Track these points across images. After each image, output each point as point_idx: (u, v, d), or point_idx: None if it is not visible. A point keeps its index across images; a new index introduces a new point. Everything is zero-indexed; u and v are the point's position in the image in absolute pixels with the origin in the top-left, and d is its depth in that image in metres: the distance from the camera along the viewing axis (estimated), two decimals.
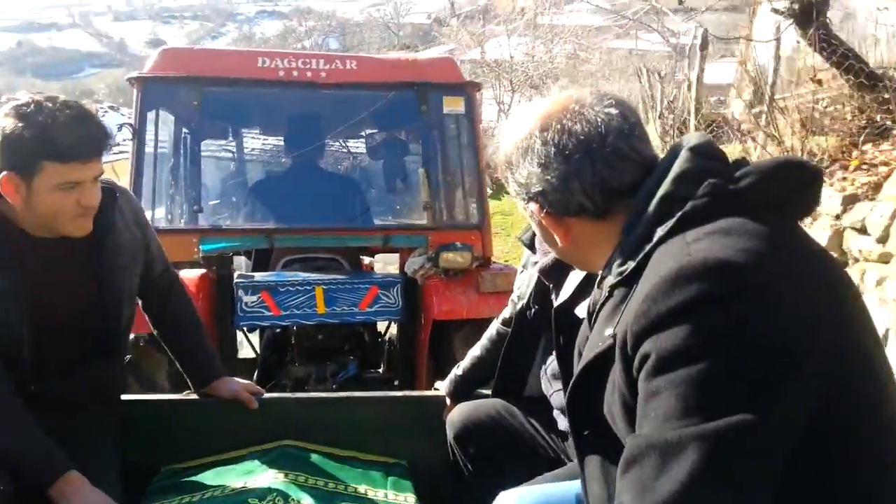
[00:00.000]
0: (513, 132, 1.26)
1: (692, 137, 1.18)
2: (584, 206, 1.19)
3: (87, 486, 1.76)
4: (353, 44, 41.71)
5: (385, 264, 4.59)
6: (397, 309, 3.56)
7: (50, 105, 1.75)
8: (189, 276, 3.39)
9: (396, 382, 3.86)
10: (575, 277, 1.84)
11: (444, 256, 3.52)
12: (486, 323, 2.50)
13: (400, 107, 4.02)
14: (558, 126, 1.18)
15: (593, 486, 1.24)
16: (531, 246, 2.09)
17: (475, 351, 2.40)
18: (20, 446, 1.76)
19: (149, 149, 3.79)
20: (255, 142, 5.17)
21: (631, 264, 1.09)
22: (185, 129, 4.10)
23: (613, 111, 1.19)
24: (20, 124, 1.71)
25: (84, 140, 1.77)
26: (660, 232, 1.06)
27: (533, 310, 2.06)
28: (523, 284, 2.16)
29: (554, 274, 1.93)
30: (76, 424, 1.98)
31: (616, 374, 1.06)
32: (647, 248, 1.07)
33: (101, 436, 2.07)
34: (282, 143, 4.68)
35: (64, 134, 1.73)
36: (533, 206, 1.25)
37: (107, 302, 2.02)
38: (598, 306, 1.19)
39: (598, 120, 1.18)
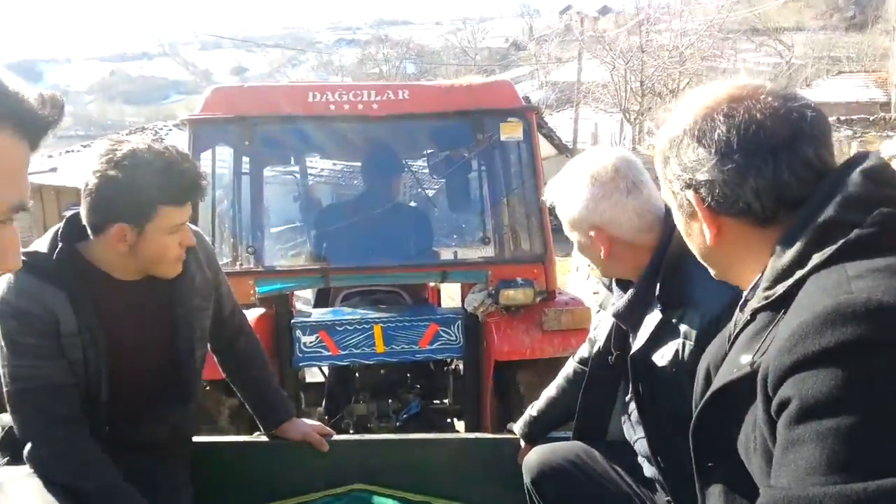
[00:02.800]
0: (687, 109, 1.17)
1: (866, 158, 1.09)
2: (749, 208, 1.11)
3: None
4: (429, 68, 42.32)
5: (452, 291, 4.47)
6: (458, 346, 3.58)
7: (150, 152, 1.88)
8: (248, 316, 3.41)
9: (459, 417, 3.79)
10: (650, 322, 1.84)
11: (505, 293, 3.49)
12: (551, 362, 2.45)
13: (455, 136, 4.03)
14: (747, 115, 1.10)
15: None
16: (610, 286, 2.10)
17: (550, 391, 2.39)
18: (101, 489, 1.86)
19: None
20: (309, 178, 5.17)
21: (780, 289, 1.03)
22: (237, 169, 4.22)
23: (809, 112, 1.10)
24: (129, 174, 1.83)
25: (193, 181, 1.92)
26: (816, 259, 1.00)
27: (614, 356, 2.05)
28: (600, 325, 2.17)
29: (630, 318, 1.92)
30: (149, 467, 2.07)
31: (757, 410, 1.00)
32: (800, 273, 1.01)
33: (173, 478, 2.16)
34: (336, 178, 4.66)
35: (177, 178, 1.88)
36: (691, 195, 1.17)
37: (182, 343, 2.11)
38: (737, 329, 1.13)
39: (792, 116, 1.09)
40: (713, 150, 1.11)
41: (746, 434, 1.04)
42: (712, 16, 19.62)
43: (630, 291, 1.90)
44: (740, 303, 1.16)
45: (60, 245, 1.91)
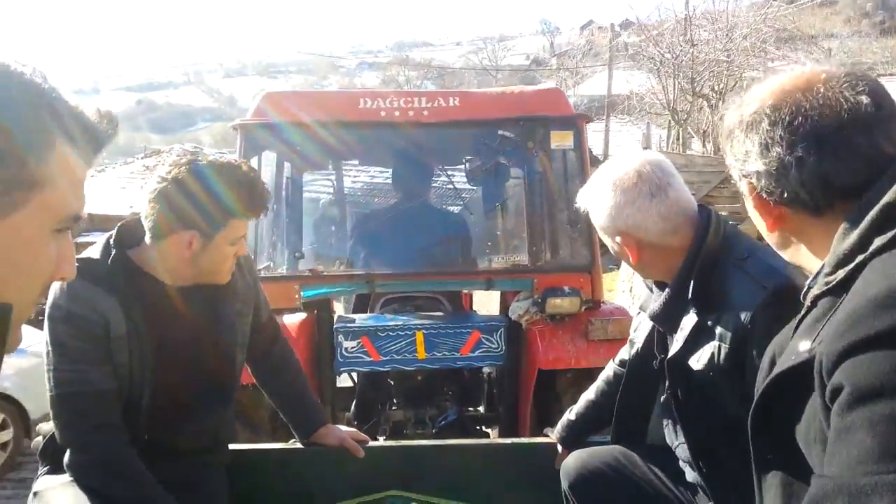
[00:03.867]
0: (746, 101, 1.19)
1: None
2: (799, 198, 1.11)
3: None
4: (451, 87, 42.66)
5: (486, 298, 4.44)
6: (500, 354, 3.55)
7: (224, 166, 1.95)
8: (290, 321, 3.53)
9: (497, 425, 3.74)
10: (687, 325, 1.82)
11: (551, 302, 3.46)
12: (595, 372, 2.48)
13: (506, 143, 3.98)
14: (794, 106, 1.10)
15: None
16: (651, 288, 2.07)
17: (589, 394, 2.37)
18: (139, 497, 1.88)
19: None
20: (358, 184, 5.20)
21: (840, 274, 1.02)
22: (287, 174, 4.24)
23: (864, 99, 1.08)
24: (207, 184, 1.89)
25: (264, 196, 2.00)
26: (878, 242, 0.98)
27: (658, 358, 2.02)
28: (640, 327, 2.15)
29: (666, 321, 1.91)
30: (187, 473, 2.09)
31: (816, 398, 0.99)
32: (861, 258, 1.00)
33: (211, 485, 2.17)
34: (385, 184, 4.69)
35: (250, 191, 1.95)
36: (744, 185, 1.20)
37: (224, 348, 2.14)
38: (800, 317, 1.13)
39: (843, 106, 1.08)
40: (758, 142, 1.13)
41: (807, 423, 1.03)
42: (745, 20, 19.31)
43: (664, 293, 1.90)
44: (804, 291, 1.15)
45: (113, 251, 1.95)
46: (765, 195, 1.16)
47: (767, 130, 1.12)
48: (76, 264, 1.80)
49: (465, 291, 4.51)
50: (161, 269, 2.00)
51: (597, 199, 1.89)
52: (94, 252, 1.97)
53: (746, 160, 1.16)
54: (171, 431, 2.06)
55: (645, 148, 14.90)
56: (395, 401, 3.87)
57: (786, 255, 1.25)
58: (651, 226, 1.81)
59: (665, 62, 19.12)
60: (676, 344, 1.84)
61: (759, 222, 1.24)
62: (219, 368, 2.12)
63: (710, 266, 1.79)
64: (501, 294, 4.37)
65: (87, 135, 0.87)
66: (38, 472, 2.08)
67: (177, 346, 2.03)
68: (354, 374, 4.23)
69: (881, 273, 0.94)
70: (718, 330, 1.73)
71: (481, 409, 4.15)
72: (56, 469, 1.97)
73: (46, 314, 1.89)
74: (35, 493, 1.98)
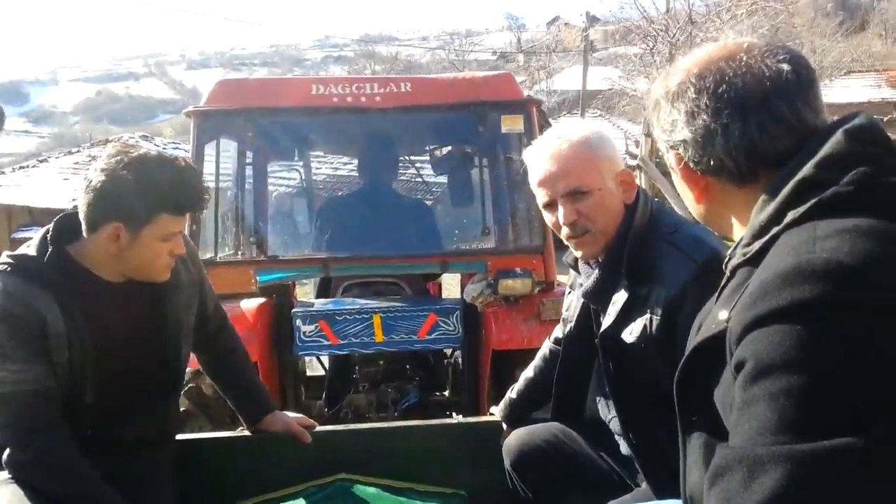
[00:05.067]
0: (670, 72, 1.19)
1: (855, 117, 1.07)
2: (724, 166, 1.12)
3: None
4: None
5: (452, 284, 4.50)
6: (457, 336, 3.57)
7: (161, 160, 1.91)
8: (248, 305, 3.52)
9: (458, 410, 3.83)
10: (619, 300, 1.84)
11: (504, 283, 3.48)
12: None
13: (457, 128, 4.03)
14: (718, 75, 1.11)
15: (693, 474, 1.19)
16: (575, 267, 2.09)
17: (528, 372, 2.39)
18: (80, 493, 1.85)
19: (206, 181, 3.86)
20: (315, 169, 5.22)
21: (756, 245, 1.03)
22: (240, 160, 4.23)
23: (785, 67, 1.09)
24: (137, 177, 1.83)
25: (199, 195, 1.95)
26: (790, 216, 0.99)
27: (580, 334, 2.06)
28: (571, 306, 2.16)
29: (599, 297, 1.93)
30: (133, 467, 2.06)
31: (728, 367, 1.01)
32: (775, 230, 1.00)
33: (157, 478, 2.14)
34: (337, 170, 4.72)
35: (184, 188, 1.90)
36: (672, 157, 1.20)
37: (169, 341, 2.11)
38: (721, 286, 1.14)
39: (765, 74, 1.08)
40: (683, 111, 1.13)
41: (724, 390, 1.04)
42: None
43: (596, 271, 1.91)
44: (725, 260, 1.17)
45: (50, 248, 1.90)
46: (692, 165, 1.16)
47: (693, 99, 1.12)
48: (10, 261, 1.79)
49: (435, 281, 4.50)
50: (95, 265, 1.95)
51: (606, 141, 1.90)
52: (30, 248, 1.92)
53: (673, 130, 1.16)
54: (115, 425, 2.02)
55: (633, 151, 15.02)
56: (358, 385, 3.89)
57: (713, 226, 1.26)
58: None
59: (659, 48, 18.75)
60: (609, 318, 1.86)
61: (685, 194, 1.24)
62: (163, 363, 2.09)
63: (641, 240, 1.82)
64: (462, 279, 4.46)
65: None
66: None
67: (119, 343, 1.99)
68: (325, 362, 4.26)
69: (789, 247, 0.95)
70: (650, 302, 1.76)
71: (447, 393, 4.17)
72: None
73: None
74: None
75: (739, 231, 1.15)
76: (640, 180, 12.59)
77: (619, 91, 22.15)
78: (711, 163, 1.12)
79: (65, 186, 16.80)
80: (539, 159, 1.90)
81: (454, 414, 4.18)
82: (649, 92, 1.26)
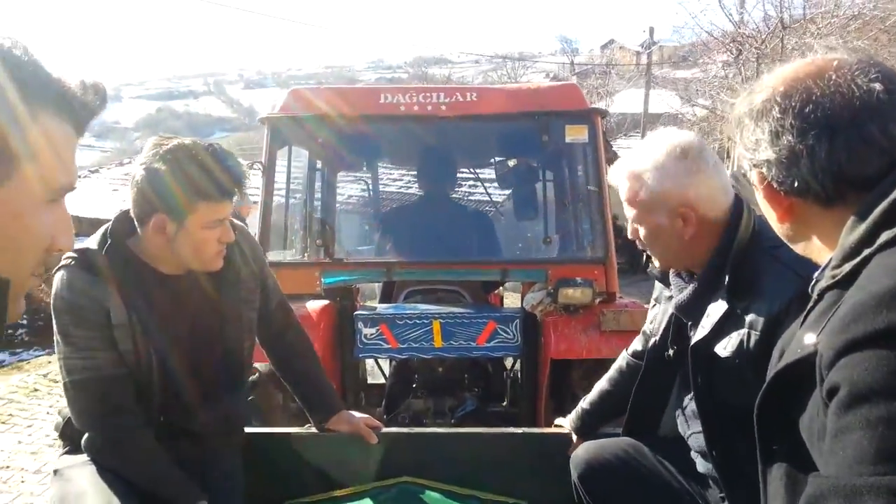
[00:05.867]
0: (755, 89, 1.16)
1: None
2: (809, 188, 1.07)
3: None
4: None
5: (514, 299, 4.54)
6: (516, 345, 3.55)
7: (195, 148, 1.91)
8: (312, 307, 3.58)
9: (516, 423, 3.82)
10: (715, 312, 1.77)
11: (564, 292, 3.47)
12: (607, 363, 2.44)
13: (522, 137, 4.03)
14: (805, 94, 1.07)
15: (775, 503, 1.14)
16: (663, 279, 2.03)
17: (603, 384, 2.35)
18: (155, 477, 1.91)
19: (277, 186, 4.03)
20: (378, 176, 5.34)
21: (846, 267, 0.99)
22: (310, 166, 4.33)
23: (877, 86, 1.04)
24: (172, 168, 1.86)
25: (234, 179, 1.95)
26: (885, 236, 0.95)
27: (672, 350, 1.99)
28: (656, 319, 2.11)
29: (692, 310, 1.86)
30: (202, 456, 2.10)
31: (817, 393, 0.96)
32: (867, 252, 0.96)
33: (226, 467, 2.18)
34: (404, 177, 4.81)
35: (218, 174, 1.90)
36: (755, 175, 1.16)
37: (229, 335, 2.14)
38: (808, 309, 1.10)
39: (855, 94, 1.04)
40: (768, 130, 1.10)
41: (810, 417, 1.00)
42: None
43: (695, 283, 1.85)
44: (811, 283, 1.13)
45: (109, 241, 1.96)
46: (775, 185, 1.12)
47: (778, 118, 1.08)
48: (74, 255, 1.85)
49: (497, 293, 4.49)
50: (152, 258, 2.00)
51: (656, 167, 1.78)
52: (91, 242, 1.98)
53: (756, 149, 1.12)
54: (184, 415, 2.06)
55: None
56: (417, 392, 3.92)
57: (797, 247, 1.21)
58: (718, 198, 1.77)
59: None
60: (702, 330, 1.80)
61: (769, 213, 1.20)
62: (225, 355, 2.12)
63: (744, 253, 1.75)
64: (523, 287, 4.48)
65: (71, 106, 0.85)
66: (59, 453, 2.12)
67: (179, 335, 2.03)
68: (385, 371, 4.29)
69: (886, 269, 0.91)
70: (749, 317, 1.69)
71: (505, 404, 4.14)
72: (75, 449, 2.01)
73: (52, 306, 1.92)
74: (56, 472, 2.01)
75: (824, 253, 1.11)
76: None
77: (675, 115, 21.84)
78: (796, 184, 1.08)
79: (114, 198, 16.82)
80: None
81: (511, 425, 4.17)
82: (733, 107, 1.22)
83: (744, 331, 1.70)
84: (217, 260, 2.01)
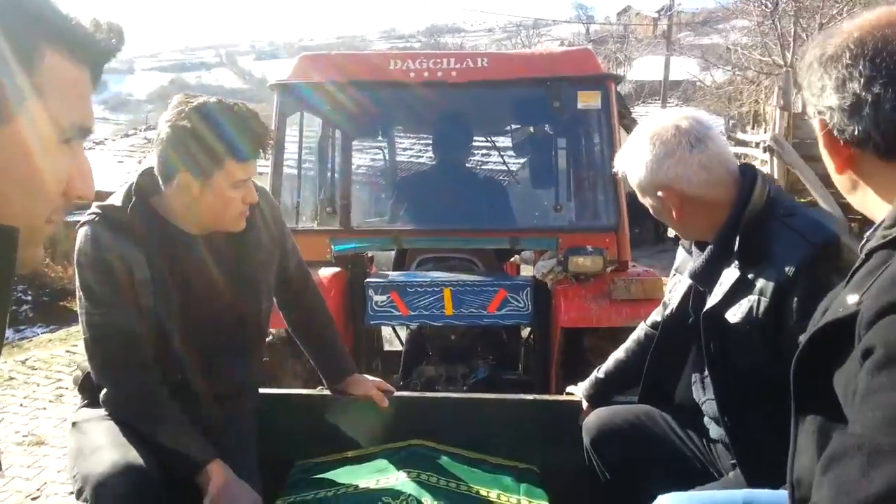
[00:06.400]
0: (832, 33, 1.13)
1: None
2: (870, 139, 1.05)
3: (231, 475, 1.89)
4: None
5: (531, 269, 4.52)
6: (527, 313, 3.54)
7: (221, 106, 1.89)
8: (324, 274, 3.59)
9: (530, 389, 3.84)
10: (727, 279, 1.79)
11: (574, 261, 3.44)
12: (618, 331, 2.47)
13: (534, 103, 3.98)
14: (880, 42, 1.03)
15: (803, 457, 1.15)
16: (690, 249, 2.04)
17: (619, 353, 2.35)
18: (170, 433, 1.91)
19: (287, 152, 4.02)
20: (389, 144, 5.32)
21: None
22: (319, 133, 4.30)
23: None
24: (198, 125, 1.85)
25: (260, 138, 1.93)
26: None
27: (684, 315, 2.00)
28: (675, 289, 2.11)
29: (706, 277, 1.87)
30: (219, 415, 2.12)
31: (856, 352, 0.96)
32: None
33: (240, 428, 2.20)
34: (414, 144, 4.77)
35: (244, 133, 1.89)
36: (817, 122, 1.14)
37: (248, 296, 2.13)
38: (854, 268, 1.08)
39: None
40: (835, 77, 1.07)
41: (847, 376, 0.99)
42: None
43: (707, 250, 1.86)
44: (862, 242, 1.10)
45: (134, 199, 1.95)
46: (836, 133, 1.09)
47: (848, 64, 1.05)
48: (98, 211, 1.83)
49: (512, 262, 4.47)
50: (176, 217, 1.99)
51: (634, 156, 1.85)
52: (115, 199, 1.98)
53: (822, 94, 1.09)
54: (201, 374, 2.07)
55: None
56: (431, 359, 3.93)
57: (853, 199, 1.19)
58: (693, 176, 1.78)
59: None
60: (714, 297, 1.81)
61: (828, 162, 1.17)
62: (244, 317, 2.13)
63: (756, 221, 1.76)
64: (535, 255, 4.45)
65: (83, 44, 0.82)
66: (77, 405, 2.14)
67: (199, 294, 2.03)
68: (402, 338, 4.31)
69: None
70: (759, 284, 1.70)
71: (520, 372, 4.15)
72: (93, 403, 2.02)
73: (74, 261, 1.92)
74: (74, 424, 2.04)
75: (880, 209, 1.08)
76: (773, 165, 11.20)
77: (694, 82, 21.54)
78: (857, 133, 1.06)
79: (118, 169, 16.15)
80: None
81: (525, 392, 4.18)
82: (803, 54, 1.18)
83: (754, 297, 1.71)
84: (240, 221, 2.01)
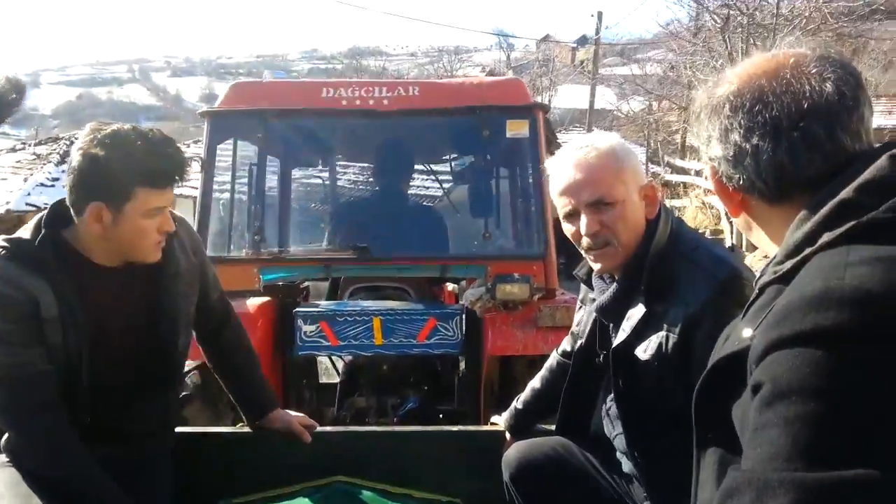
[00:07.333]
0: (716, 83, 1.17)
1: None
2: (755, 186, 1.10)
3: None
4: None
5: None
6: (456, 342, 3.54)
7: (135, 133, 1.84)
8: (253, 303, 3.53)
9: (464, 420, 3.85)
10: (634, 315, 1.81)
11: (501, 288, 3.47)
12: (545, 358, 2.45)
13: (463, 132, 4.05)
14: (756, 92, 1.08)
15: (705, 490, 1.17)
16: (587, 282, 2.06)
17: (535, 383, 2.37)
18: (77, 479, 1.84)
19: (217, 180, 3.97)
20: (320, 171, 5.31)
21: (787, 265, 1.00)
22: (251, 161, 4.26)
23: (828, 87, 1.04)
24: (110, 153, 1.79)
25: (175, 165, 1.87)
26: (825, 238, 0.96)
27: (598, 353, 2.02)
28: (582, 321, 2.14)
29: (613, 313, 1.89)
30: (131, 456, 2.04)
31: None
32: (808, 251, 0.97)
33: (155, 468, 2.13)
34: (346, 172, 4.78)
35: (158, 160, 1.83)
36: (709, 169, 1.19)
37: (166, 329, 2.07)
38: (749, 303, 1.11)
39: (805, 94, 1.05)
40: (717, 128, 1.12)
41: (743, 409, 1.01)
42: None
43: (613, 286, 1.88)
44: (744, 280, 1.17)
45: (43, 231, 1.87)
46: (724, 181, 1.15)
47: (728, 116, 1.10)
48: (5, 245, 1.75)
49: (450, 289, 4.51)
50: (88, 249, 1.92)
51: (631, 154, 1.89)
52: (24, 232, 1.90)
53: (709, 144, 1.15)
54: (113, 414, 2.00)
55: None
56: (361, 390, 3.89)
57: (751, 238, 1.24)
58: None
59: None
60: (622, 334, 1.82)
61: (725, 205, 1.22)
62: (160, 351, 2.06)
63: (661, 256, 1.79)
64: (465, 284, 4.48)
65: None
66: None
67: (114, 329, 1.96)
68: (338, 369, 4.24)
69: (819, 270, 0.92)
70: (667, 320, 1.72)
71: (454, 402, 4.13)
72: None
73: None
74: None
75: (772, 247, 1.13)
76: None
77: (612, 111, 22.18)
78: (741, 181, 1.11)
79: (0, 187, 14.57)
80: (564, 167, 1.86)
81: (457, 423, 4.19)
82: (694, 98, 1.24)
83: (662, 333, 1.73)
84: (156, 251, 1.94)
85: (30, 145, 17.83)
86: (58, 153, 15.86)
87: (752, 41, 14.53)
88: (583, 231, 1.83)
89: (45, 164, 15.53)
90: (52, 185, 14.32)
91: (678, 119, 18.46)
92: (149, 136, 1.85)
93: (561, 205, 1.88)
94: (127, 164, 1.79)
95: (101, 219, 1.84)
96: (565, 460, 2.08)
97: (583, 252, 1.90)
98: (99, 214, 1.83)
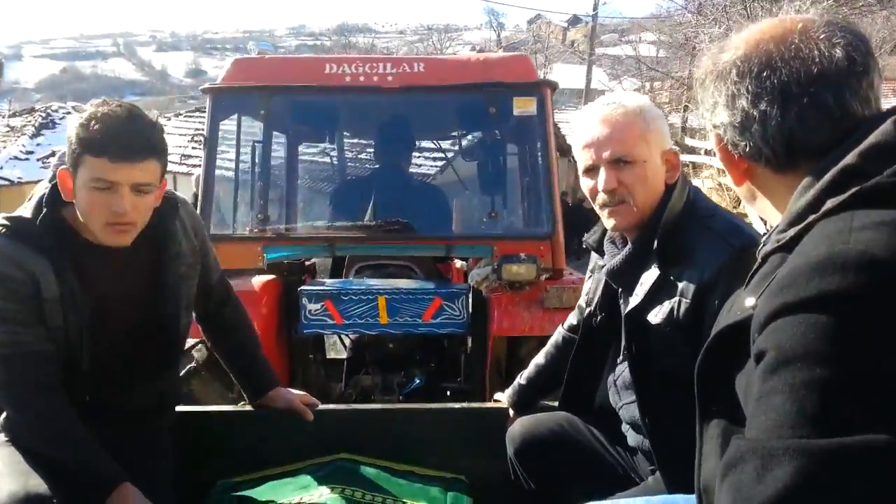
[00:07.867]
0: (722, 48, 1.14)
1: None
2: (762, 153, 1.09)
3: (140, 498, 1.80)
4: None
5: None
6: (462, 322, 3.51)
7: (112, 104, 1.83)
8: (257, 282, 3.51)
9: (470, 399, 3.84)
10: (647, 280, 1.79)
11: (507, 268, 3.43)
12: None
13: (469, 109, 3.99)
14: (764, 57, 1.06)
15: (709, 462, 1.16)
16: (598, 249, 2.04)
17: (539, 359, 2.35)
18: (76, 457, 1.82)
19: (219, 157, 3.93)
20: (324, 149, 5.24)
21: (790, 232, 0.99)
22: (254, 138, 4.20)
23: (838, 53, 1.03)
24: (82, 121, 1.79)
25: (123, 139, 1.79)
26: (829, 204, 0.95)
27: (600, 316, 2.00)
28: (591, 290, 2.11)
29: (624, 277, 1.88)
30: (131, 435, 2.03)
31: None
32: (812, 218, 0.96)
33: (155, 447, 2.12)
34: (350, 149, 4.71)
35: (106, 130, 1.77)
36: (713, 136, 1.17)
37: (166, 311, 2.06)
38: (752, 272, 1.10)
39: (815, 59, 1.03)
40: (724, 94, 1.10)
41: (746, 379, 1.00)
42: None
43: (627, 248, 1.86)
44: (759, 247, 1.12)
45: (44, 210, 1.86)
46: (730, 148, 1.13)
47: (735, 82, 1.08)
48: (6, 223, 1.72)
49: (458, 266, 4.46)
50: (83, 227, 1.89)
51: (659, 117, 1.86)
52: (25, 211, 1.88)
53: (714, 110, 1.13)
54: (114, 393, 1.99)
55: None
56: (367, 368, 3.88)
57: (754, 207, 1.22)
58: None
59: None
60: (636, 298, 1.81)
61: (728, 174, 1.21)
62: (161, 331, 2.06)
63: (676, 222, 1.77)
64: (471, 263, 4.44)
65: None
66: None
67: (114, 309, 1.95)
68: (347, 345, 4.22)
69: (824, 236, 0.91)
70: (680, 285, 1.71)
71: (460, 380, 4.10)
72: None
73: None
74: None
75: (776, 217, 1.12)
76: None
77: (606, 93, 22.12)
78: (748, 148, 1.10)
79: None
80: (589, 121, 1.84)
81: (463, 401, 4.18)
82: (699, 64, 1.21)
83: (675, 298, 1.72)
84: (109, 234, 1.86)
85: (3, 117, 17.40)
86: (33, 125, 15.41)
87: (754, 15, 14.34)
88: (600, 187, 1.82)
89: (19, 137, 15.09)
90: (27, 159, 13.88)
91: (673, 101, 18.36)
92: (118, 109, 1.81)
93: (582, 159, 1.87)
94: (86, 130, 1.77)
95: (66, 185, 1.83)
96: (570, 435, 2.07)
97: (597, 209, 1.88)
98: (65, 179, 1.83)
